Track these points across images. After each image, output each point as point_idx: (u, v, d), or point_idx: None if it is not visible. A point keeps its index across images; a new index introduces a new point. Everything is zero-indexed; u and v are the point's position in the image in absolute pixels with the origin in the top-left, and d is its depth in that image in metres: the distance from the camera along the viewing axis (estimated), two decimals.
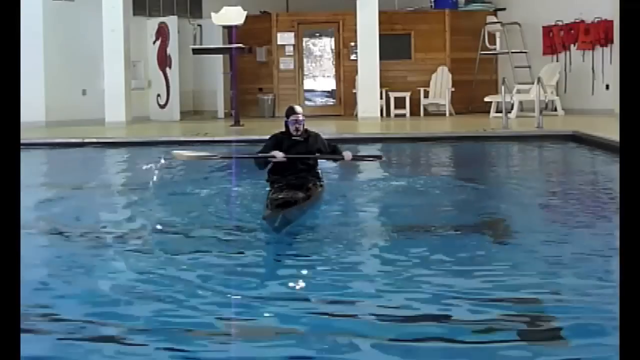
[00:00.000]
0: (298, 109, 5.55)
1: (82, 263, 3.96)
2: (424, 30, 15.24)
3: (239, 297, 3.22)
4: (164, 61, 14.98)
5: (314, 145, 5.63)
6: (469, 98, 14.71)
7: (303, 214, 4.92)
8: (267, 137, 5.75)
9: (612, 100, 12.94)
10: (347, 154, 5.72)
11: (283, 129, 5.61)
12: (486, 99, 13.77)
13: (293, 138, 5.49)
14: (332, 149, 5.81)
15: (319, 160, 5.73)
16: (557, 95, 13.93)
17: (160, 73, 15.04)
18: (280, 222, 4.39)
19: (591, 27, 13.87)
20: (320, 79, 15.99)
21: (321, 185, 5.61)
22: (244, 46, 12.84)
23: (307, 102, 15.82)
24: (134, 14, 14.63)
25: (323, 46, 15.93)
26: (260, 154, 5.44)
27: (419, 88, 14.58)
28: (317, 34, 15.91)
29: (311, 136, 5.64)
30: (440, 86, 14.76)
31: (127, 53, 13.56)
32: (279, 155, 5.29)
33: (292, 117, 5.48)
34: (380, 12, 13.25)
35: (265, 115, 15.38)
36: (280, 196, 4.91)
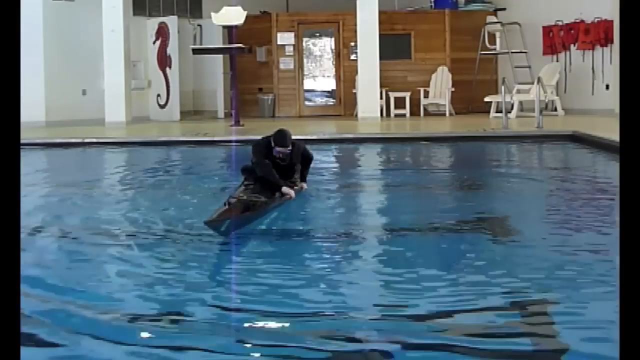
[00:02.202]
0: (288, 139, 5.42)
1: (80, 262, 3.95)
2: (424, 30, 15.25)
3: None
4: (164, 61, 14.98)
5: (297, 157, 5.61)
6: (469, 98, 14.71)
7: (261, 216, 4.84)
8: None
9: (612, 100, 12.94)
10: (302, 186, 5.76)
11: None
12: (486, 99, 13.77)
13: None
14: (304, 159, 5.77)
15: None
16: (557, 95, 13.93)
17: (160, 73, 15.05)
18: (228, 226, 4.26)
19: (591, 27, 13.88)
20: (320, 79, 16.00)
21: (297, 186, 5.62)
22: (244, 46, 12.85)
23: (307, 102, 15.84)
24: (134, 14, 14.64)
25: (323, 46, 15.93)
26: (277, 180, 5.32)
27: (419, 88, 14.58)
28: (317, 34, 15.92)
29: (295, 148, 5.56)
30: (440, 86, 14.76)
31: (127, 53, 13.57)
32: (292, 193, 5.33)
33: (279, 149, 5.37)
34: (380, 12, 13.25)
35: (265, 115, 15.40)
36: (242, 198, 4.82)
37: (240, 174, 5.51)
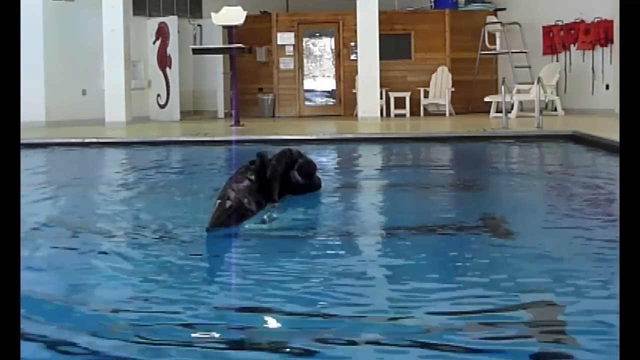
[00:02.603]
0: (309, 175, 5.38)
1: (80, 263, 3.95)
2: (424, 30, 15.26)
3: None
4: (164, 61, 15.00)
5: (304, 189, 5.54)
6: (469, 98, 14.72)
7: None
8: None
9: (612, 100, 12.96)
10: None
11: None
12: (486, 99, 13.78)
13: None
14: (307, 190, 5.66)
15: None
16: (557, 95, 13.94)
17: (160, 73, 15.06)
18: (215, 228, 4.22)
19: (591, 27, 13.89)
20: (320, 79, 16.01)
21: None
22: (244, 46, 12.85)
23: (307, 102, 15.85)
24: (134, 14, 14.66)
25: (323, 46, 15.94)
26: (275, 195, 5.13)
27: (419, 88, 14.60)
28: (317, 34, 15.93)
29: (310, 182, 5.52)
30: (440, 86, 14.77)
31: (127, 53, 13.58)
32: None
33: (296, 175, 5.31)
34: (380, 12, 13.26)
35: (266, 115, 15.41)
36: (239, 199, 4.57)
37: (256, 157, 5.39)
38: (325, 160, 8.69)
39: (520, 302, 3.09)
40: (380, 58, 13.18)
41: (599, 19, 13.71)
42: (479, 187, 6.68)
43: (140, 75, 15.15)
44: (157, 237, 4.50)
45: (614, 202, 5.26)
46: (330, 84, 15.87)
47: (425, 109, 14.73)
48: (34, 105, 12.90)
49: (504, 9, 15.60)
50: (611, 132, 8.48)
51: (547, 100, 13.00)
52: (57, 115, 13.58)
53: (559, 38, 14.61)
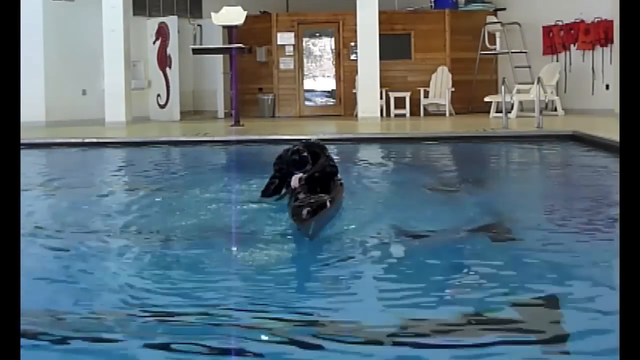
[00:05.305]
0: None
1: (80, 263, 3.95)
2: (424, 30, 15.25)
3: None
4: (164, 61, 14.99)
5: None
6: (469, 98, 14.71)
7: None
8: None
9: (612, 100, 12.95)
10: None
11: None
12: (486, 99, 13.77)
13: None
14: None
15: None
16: (557, 95, 13.93)
17: (160, 73, 15.05)
18: (314, 228, 4.11)
19: (591, 27, 13.88)
20: (320, 79, 16.00)
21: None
22: (244, 46, 12.85)
23: (307, 102, 15.84)
24: (134, 14, 14.64)
25: (323, 46, 15.94)
26: None
27: (419, 88, 14.58)
28: (317, 34, 15.92)
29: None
30: (440, 86, 14.76)
31: (127, 53, 13.57)
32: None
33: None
34: (380, 12, 13.25)
35: (265, 115, 15.40)
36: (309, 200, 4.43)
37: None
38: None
39: (523, 303, 3.09)
40: (380, 58, 13.17)
41: (599, 19, 13.70)
42: (479, 188, 6.67)
43: (140, 75, 15.15)
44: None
45: (613, 202, 5.26)
46: (330, 84, 15.86)
47: (425, 109, 14.72)
48: (34, 105, 12.88)
49: (504, 9, 15.59)
50: (611, 132, 8.48)
51: (547, 100, 13.00)
52: (57, 115, 13.57)
53: (559, 38, 14.61)
